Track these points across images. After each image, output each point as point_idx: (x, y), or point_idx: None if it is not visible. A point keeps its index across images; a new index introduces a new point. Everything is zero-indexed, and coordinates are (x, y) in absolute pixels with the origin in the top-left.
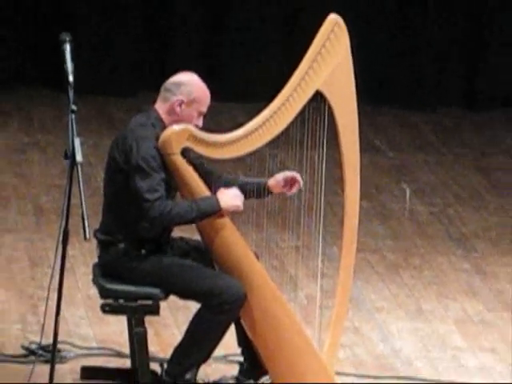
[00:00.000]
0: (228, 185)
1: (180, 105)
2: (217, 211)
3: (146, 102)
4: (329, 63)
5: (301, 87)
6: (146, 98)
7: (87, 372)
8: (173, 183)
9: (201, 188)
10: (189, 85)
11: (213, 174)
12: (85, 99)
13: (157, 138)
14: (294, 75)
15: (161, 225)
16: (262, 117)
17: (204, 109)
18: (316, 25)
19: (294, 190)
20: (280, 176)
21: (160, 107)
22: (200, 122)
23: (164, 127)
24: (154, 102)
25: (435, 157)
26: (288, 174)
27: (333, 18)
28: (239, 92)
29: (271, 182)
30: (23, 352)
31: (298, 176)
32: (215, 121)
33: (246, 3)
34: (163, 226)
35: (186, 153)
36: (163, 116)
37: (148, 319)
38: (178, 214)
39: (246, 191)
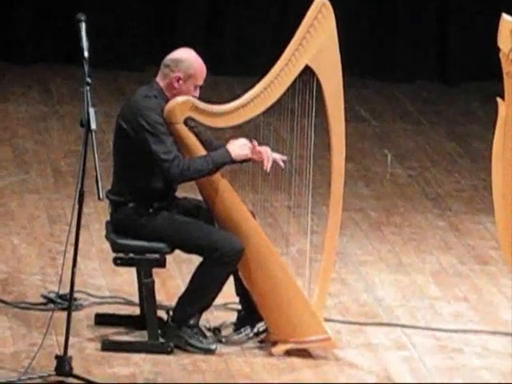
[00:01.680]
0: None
1: (178, 80)
2: (229, 161)
3: (153, 76)
4: (317, 40)
5: (291, 62)
6: (153, 72)
7: (101, 318)
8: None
9: (202, 153)
10: (186, 61)
11: (207, 142)
12: (98, 73)
13: (161, 109)
14: (285, 51)
15: (182, 180)
16: (257, 89)
17: (200, 82)
18: (306, 6)
19: (267, 166)
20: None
21: (161, 81)
22: (197, 93)
23: (166, 99)
24: (156, 74)
25: (413, 125)
26: (261, 148)
27: (320, 0)
28: (237, 67)
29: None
30: (43, 300)
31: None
32: (215, 93)
33: None
34: (184, 181)
35: (187, 122)
36: (164, 89)
37: (155, 271)
38: (196, 168)
39: None
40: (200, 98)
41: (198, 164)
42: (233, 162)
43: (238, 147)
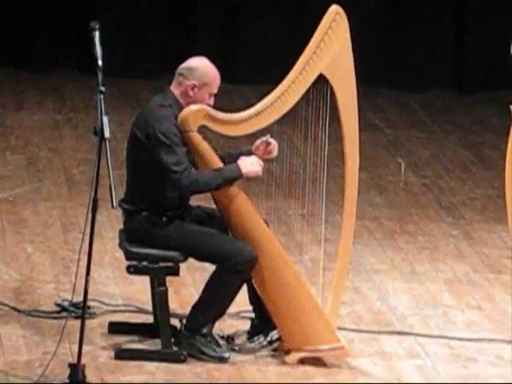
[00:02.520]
0: (230, 157)
1: (193, 88)
2: (239, 177)
3: (167, 84)
4: (331, 49)
5: (306, 71)
6: (168, 80)
7: (114, 326)
8: (190, 158)
9: (216, 162)
10: (200, 69)
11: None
12: (112, 81)
13: (175, 117)
14: (299, 60)
15: (190, 192)
16: (271, 97)
17: (215, 90)
18: (320, 14)
19: (273, 153)
20: (258, 141)
21: (175, 90)
22: (211, 102)
23: (180, 107)
24: (170, 83)
25: (427, 134)
26: (263, 138)
27: (334, 8)
28: (251, 75)
29: (253, 147)
30: (56, 309)
31: (268, 139)
32: (229, 101)
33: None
34: (192, 194)
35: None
36: (179, 98)
37: (169, 279)
38: (205, 182)
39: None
40: (214, 107)
41: (207, 177)
42: (242, 177)
43: (250, 164)
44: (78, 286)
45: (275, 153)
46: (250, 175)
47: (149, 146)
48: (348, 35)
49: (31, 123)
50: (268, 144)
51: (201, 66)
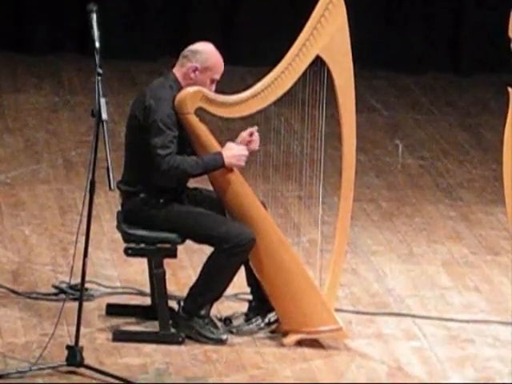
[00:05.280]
0: None
1: (194, 71)
2: (220, 167)
3: (164, 66)
4: (327, 31)
5: (302, 52)
6: (165, 62)
7: (112, 308)
8: (187, 140)
9: (212, 143)
10: (204, 53)
11: None
12: (110, 63)
13: (173, 99)
14: (296, 42)
15: (170, 178)
16: (268, 79)
17: (217, 76)
18: None
19: (254, 144)
20: (243, 133)
21: (177, 71)
22: (212, 88)
23: (180, 89)
24: (173, 66)
25: (425, 115)
26: (247, 130)
27: None
28: (248, 57)
29: (238, 139)
30: (54, 291)
31: (251, 129)
32: (226, 83)
33: None
34: (172, 179)
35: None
36: (180, 80)
37: (166, 261)
38: (184, 170)
39: None
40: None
41: (187, 165)
42: (224, 167)
43: (233, 157)
44: (75, 268)
45: (255, 146)
46: (231, 167)
47: (145, 127)
48: (345, 17)
49: (29, 105)
50: (251, 135)
51: (205, 50)
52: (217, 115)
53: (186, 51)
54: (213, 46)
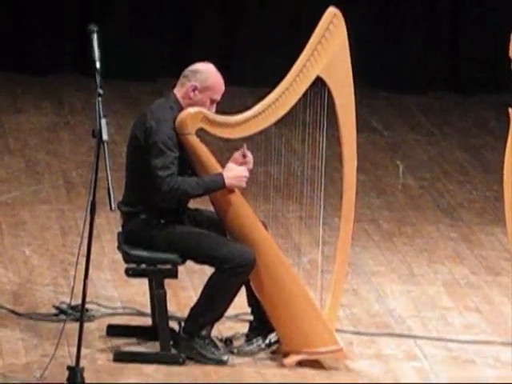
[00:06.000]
0: None
1: (194, 90)
2: (221, 188)
3: (165, 87)
4: (328, 51)
5: (303, 73)
6: (165, 83)
7: (113, 329)
8: (188, 161)
9: (213, 164)
10: (204, 72)
11: None
12: (110, 84)
13: (174, 120)
14: (297, 62)
15: (170, 199)
16: (269, 99)
17: (217, 96)
18: (318, 16)
19: (249, 165)
20: (236, 153)
21: (178, 92)
22: (213, 109)
23: (181, 110)
24: (174, 86)
25: (425, 136)
26: (239, 151)
27: (331, 11)
28: (249, 77)
29: (232, 160)
30: (55, 311)
31: (244, 151)
32: (227, 103)
33: (257, 2)
34: (172, 201)
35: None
36: (180, 100)
37: (167, 282)
38: (185, 190)
39: None
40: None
41: (187, 186)
42: (224, 188)
43: (234, 177)
44: (76, 289)
45: (250, 166)
46: (232, 188)
47: (146, 148)
48: (345, 37)
49: (29, 126)
50: (244, 156)
51: (205, 70)
52: (217, 136)
53: (186, 71)
54: (213, 66)
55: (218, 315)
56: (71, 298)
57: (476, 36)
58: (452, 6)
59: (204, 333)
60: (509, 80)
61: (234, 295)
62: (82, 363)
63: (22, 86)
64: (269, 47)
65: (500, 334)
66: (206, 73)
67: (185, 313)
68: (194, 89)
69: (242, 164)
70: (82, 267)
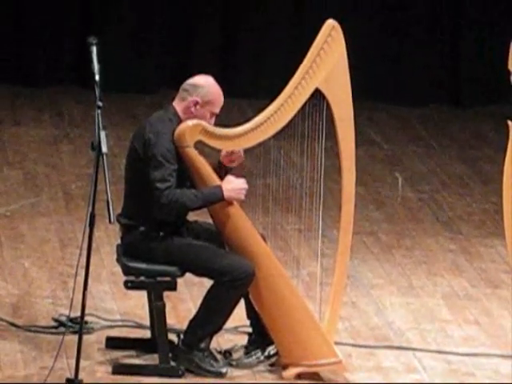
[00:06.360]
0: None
1: (195, 105)
2: (220, 200)
3: (164, 99)
4: (327, 64)
5: (302, 85)
6: (165, 95)
7: (111, 341)
8: (187, 173)
9: (212, 176)
10: (205, 87)
11: None
12: (110, 96)
13: (173, 133)
14: (295, 75)
15: (169, 211)
16: (268, 112)
17: (216, 110)
18: (316, 28)
19: (239, 159)
20: (223, 151)
21: (177, 105)
22: (212, 121)
23: (180, 122)
24: (173, 99)
25: (424, 148)
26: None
27: (330, 23)
28: (247, 90)
29: (221, 157)
30: (54, 324)
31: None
32: (226, 116)
33: (256, 15)
34: (171, 213)
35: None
36: (180, 113)
37: (166, 294)
38: (184, 203)
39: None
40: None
41: (186, 199)
42: (223, 200)
43: (233, 190)
44: (75, 301)
45: (240, 160)
46: (230, 200)
47: (145, 160)
48: (344, 50)
49: (28, 138)
50: (232, 153)
51: (206, 85)
52: (216, 148)
53: (186, 85)
54: (213, 80)
55: (217, 327)
56: (70, 311)
57: (475, 48)
58: (453, 20)
59: (203, 345)
60: (508, 92)
61: (233, 308)
62: (81, 375)
63: (21, 99)
64: (268, 59)
65: (499, 346)
66: (208, 87)
67: (184, 325)
68: (196, 103)
69: (231, 158)
70: (81, 279)
